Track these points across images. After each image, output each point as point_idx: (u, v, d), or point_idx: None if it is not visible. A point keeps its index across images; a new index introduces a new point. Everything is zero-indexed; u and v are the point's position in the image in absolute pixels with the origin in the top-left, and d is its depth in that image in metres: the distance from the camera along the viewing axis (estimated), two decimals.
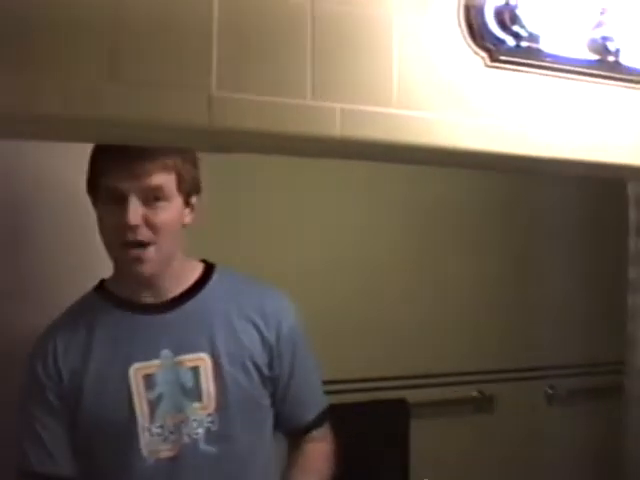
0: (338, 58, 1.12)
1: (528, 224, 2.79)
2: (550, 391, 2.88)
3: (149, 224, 1.53)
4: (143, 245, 1.54)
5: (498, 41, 1.27)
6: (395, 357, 2.58)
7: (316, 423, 1.75)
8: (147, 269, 1.56)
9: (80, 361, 1.59)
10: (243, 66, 1.06)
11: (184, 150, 1.56)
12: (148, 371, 1.58)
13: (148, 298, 1.63)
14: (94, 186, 1.58)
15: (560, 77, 1.33)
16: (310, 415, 1.75)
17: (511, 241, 2.78)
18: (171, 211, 1.56)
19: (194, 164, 1.61)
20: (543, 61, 1.31)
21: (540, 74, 1.31)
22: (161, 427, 1.58)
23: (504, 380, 2.78)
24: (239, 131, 1.06)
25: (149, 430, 1.58)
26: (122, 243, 1.53)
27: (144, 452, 1.58)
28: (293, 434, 1.75)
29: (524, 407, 2.82)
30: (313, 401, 1.76)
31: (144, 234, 1.53)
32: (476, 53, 1.26)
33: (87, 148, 1.56)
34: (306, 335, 1.77)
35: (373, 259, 2.58)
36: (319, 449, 1.75)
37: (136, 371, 1.58)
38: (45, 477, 1.61)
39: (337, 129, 1.10)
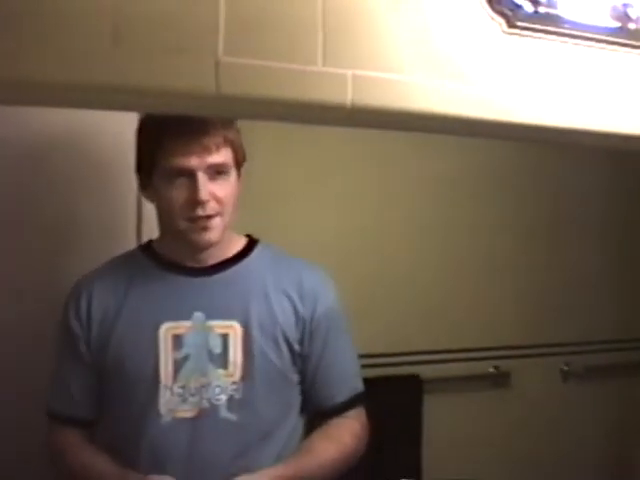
0: (350, 23, 1.08)
1: (543, 201, 2.75)
2: (566, 368, 2.86)
3: (215, 198, 1.61)
4: (210, 216, 1.62)
5: (515, 6, 1.23)
6: (408, 332, 2.56)
7: (346, 406, 1.74)
8: (213, 237, 1.64)
9: (113, 312, 1.66)
10: (252, 31, 1.03)
11: (229, 120, 1.62)
12: (178, 331, 1.64)
13: (190, 262, 1.69)
14: (151, 166, 1.63)
15: (579, 44, 1.29)
16: (340, 397, 1.74)
17: (530, 217, 2.74)
18: (231, 183, 1.64)
19: (238, 132, 1.66)
20: (562, 28, 1.27)
21: (559, 41, 1.27)
22: (183, 387, 1.62)
23: (520, 356, 2.76)
24: (247, 98, 1.03)
25: (170, 389, 1.62)
26: (190, 217, 1.61)
27: (162, 410, 1.62)
28: (323, 416, 1.74)
29: (540, 384, 2.80)
30: (345, 384, 1.76)
31: (212, 208, 1.61)
32: (493, 19, 1.22)
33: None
34: (345, 318, 1.78)
35: (387, 233, 2.55)
36: (346, 424, 1.74)
37: (167, 330, 1.63)
38: (67, 419, 1.71)
39: (348, 96, 1.07)
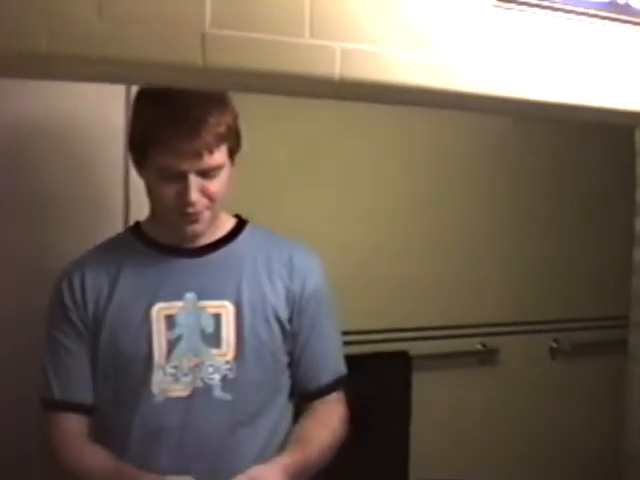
0: None
1: (532, 175, 2.75)
2: (554, 345, 2.87)
3: (206, 194, 1.59)
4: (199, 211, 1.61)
5: None
6: (397, 309, 2.56)
7: (331, 388, 1.75)
8: (201, 229, 1.65)
9: (106, 294, 1.65)
10: (238, 3, 1.02)
11: (228, 104, 1.60)
12: (170, 311, 1.64)
13: (181, 243, 1.68)
14: (143, 157, 1.61)
15: (570, 19, 1.29)
16: (325, 379, 1.75)
17: (517, 193, 2.74)
18: (223, 178, 1.62)
19: (237, 117, 1.64)
20: (552, 2, 1.27)
21: (549, 15, 1.27)
22: (175, 368, 1.62)
23: (508, 333, 2.77)
24: (233, 70, 1.02)
25: (163, 369, 1.62)
26: (179, 212, 1.60)
27: (154, 390, 1.62)
28: (307, 398, 1.75)
29: (528, 361, 2.81)
30: (330, 365, 1.77)
31: (202, 204, 1.60)
32: None
33: None
34: (332, 299, 1.78)
35: (376, 211, 2.55)
36: (334, 409, 1.76)
37: (159, 310, 1.63)
38: (67, 405, 1.66)
39: (336, 69, 1.06)
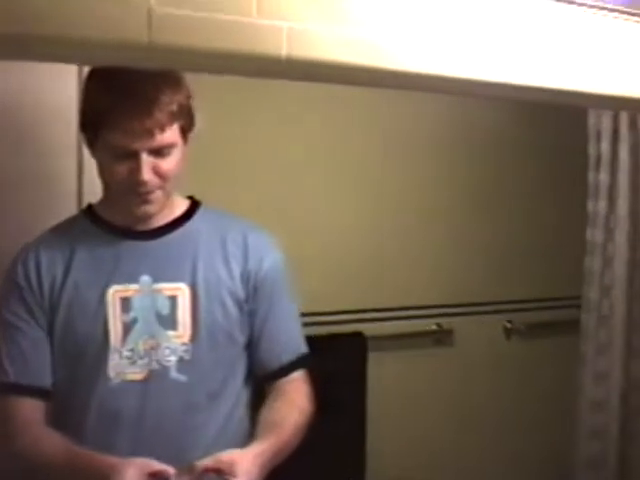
0: None
1: (487, 156, 2.77)
2: (509, 325, 2.90)
3: (158, 173, 1.59)
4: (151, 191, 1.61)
5: None
6: (353, 290, 2.57)
7: (294, 366, 1.76)
8: (153, 209, 1.64)
9: (61, 277, 1.64)
10: None
11: (181, 82, 1.60)
12: (125, 294, 1.64)
13: (135, 225, 1.68)
14: (94, 135, 1.60)
15: None
16: (286, 356, 1.75)
17: (470, 174, 2.76)
18: (176, 156, 1.61)
19: (190, 96, 1.63)
20: None
21: None
22: (131, 351, 1.62)
23: (463, 314, 2.80)
24: (180, 49, 1.00)
25: (119, 352, 1.62)
26: (131, 192, 1.59)
27: (110, 373, 1.62)
28: (271, 377, 1.75)
29: (483, 341, 2.84)
30: (290, 343, 1.77)
31: (154, 183, 1.59)
32: None
33: None
34: (288, 279, 1.79)
35: (333, 192, 2.55)
36: (300, 387, 1.76)
37: (114, 293, 1.63)
38: (22, 388, 1.64)
39: (283, 49, 1.06)
